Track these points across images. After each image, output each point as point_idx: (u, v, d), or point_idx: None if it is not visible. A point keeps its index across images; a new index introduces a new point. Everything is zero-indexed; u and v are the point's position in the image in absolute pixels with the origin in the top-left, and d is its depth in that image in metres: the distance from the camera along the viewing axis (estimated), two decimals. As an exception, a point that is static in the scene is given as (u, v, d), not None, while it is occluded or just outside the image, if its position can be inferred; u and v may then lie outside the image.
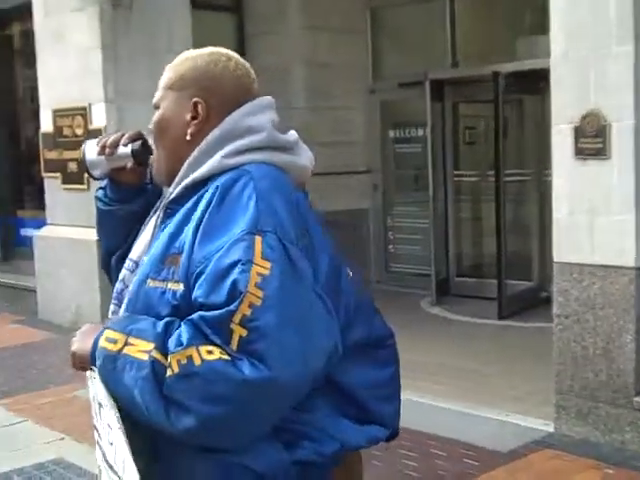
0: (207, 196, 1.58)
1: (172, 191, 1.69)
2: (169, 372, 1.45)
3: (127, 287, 1.72)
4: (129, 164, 1.85)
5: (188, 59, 1.73)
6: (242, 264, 1.46)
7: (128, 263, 1.76)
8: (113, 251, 1.93)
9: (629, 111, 4.06)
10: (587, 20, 4.17)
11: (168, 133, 1.71)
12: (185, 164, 1.66)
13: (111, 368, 1.53)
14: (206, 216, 1.56)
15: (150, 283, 1.60)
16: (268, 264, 1.47)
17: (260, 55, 8.14)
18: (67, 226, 7.71)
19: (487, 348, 6.37)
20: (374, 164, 9.23)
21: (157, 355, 1.47)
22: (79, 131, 7.55)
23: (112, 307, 1.76)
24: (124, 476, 1.53)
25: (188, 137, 1.67)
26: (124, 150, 1.85)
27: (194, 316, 1.47)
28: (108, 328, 1.57)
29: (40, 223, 8.45)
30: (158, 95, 1.75)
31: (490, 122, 7.60)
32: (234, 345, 1.44)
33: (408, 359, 5.88)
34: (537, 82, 7.45)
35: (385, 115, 9.19)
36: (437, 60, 8.58)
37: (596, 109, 4.15)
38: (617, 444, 4.21)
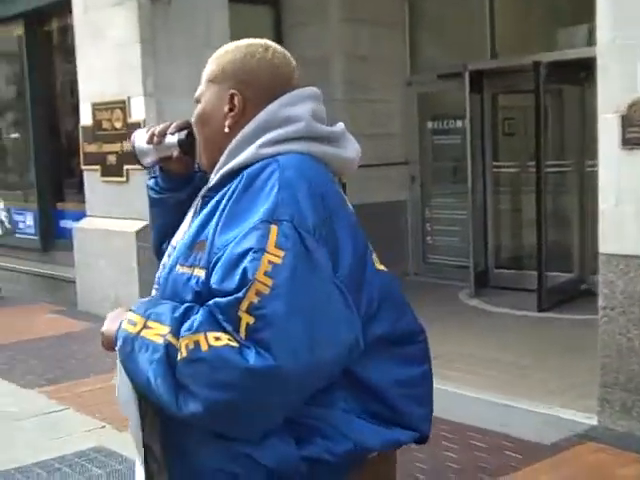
0: (234, 184, 1.60)
1: (210, 180, 1.71)
2: (179, 356, 1.47)
3: None
4: (175, 153, 1.86)
5: (228, 52, 1.73)
6: (254, 252, 1.47)
7: (169, 249, 1.78)
8: (163, 238, 1.94)
9: (677, 99, 3.98)
10: (634, 6, 4.09)
11: (208, 125, 1.73)
12: (224, 154, 1.67)
13: (129, 350, 1.56)
14: (229, 204, 1.57)
15: (179, 269, 1.63)
16: (281, 252, 1.47)
17: (298, 47, 8.10)
18: (106, 218, 7.78)
19: (527, 340, 6.30)
20: (412, 156, 9.18)
21: (171, 339, 1.49)
22: (118, 124, 7.61)
23: (154, 292, 1.78)
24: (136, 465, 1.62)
25: (226, 129, 1.68)
26: (171, 139, 1.86)
27: (210, 302, 1.49)
28: (131, 311, 1.62)
29: (79, 215, 8.53)
30: (200, 89, 1.76)
31: (529, 113, 7.50)
32: (242, 332, 1.45)
33: (446, 350, 5.83)
34: (578, 72, 7.36)
35: (423, 107, 9.13)
36: (475, 51, 8.50)
37: (644, 97, 4.07)
38: (662, 438, 4.14)
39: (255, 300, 1.44)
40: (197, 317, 1.49)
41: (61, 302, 8.45)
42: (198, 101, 1.76)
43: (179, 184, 1.92)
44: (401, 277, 8.63)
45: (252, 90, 1.67)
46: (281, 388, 1.46)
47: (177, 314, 1.52)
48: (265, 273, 1.45)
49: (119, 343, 1.59)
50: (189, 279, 1.59)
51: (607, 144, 4.25)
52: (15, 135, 11.30)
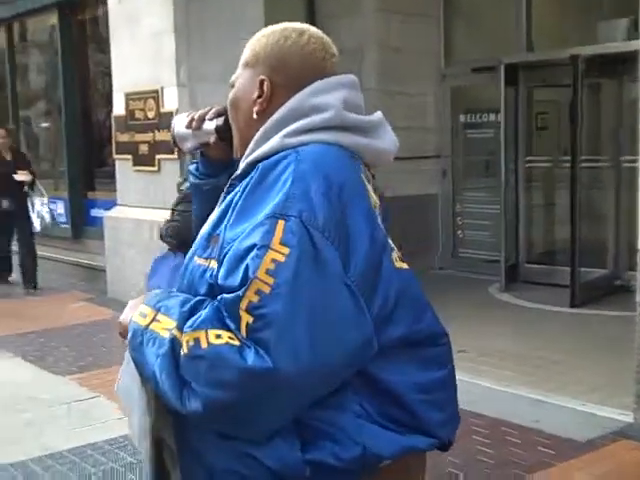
0: (250, 176, 1.55)
1: (237, 168, 1.66)
2: (182, 352, 1.44)
3: None
4: (212, 139, 1.83)
5: (264, 36, 1.68)
6: (257, 249, 1.42)
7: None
8: (202, 225, 1.92)
9: None
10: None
11: (239, 111, 1.68)
12: (252, 142, 1.62)
13: (138, 342, 1.54)
14: (242, 196, 1.52)
15: (196, 260, 1.60)
16: (286, 250, 1.41)
17: (332, 37, 7.95)
18: (136, 207, 7.81)
19: (560, 336, 6.23)
20: (444, 149, 9.12)
21: (177, 334, 1.46)
22: (151, 114, 7.62)
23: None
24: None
25: (255, 115, 1.63)
26: (209, 125, 1.84)
27: (218, 297, 1.46)
28: (144, 302, 1.58)
29: (110, 204, 8.58)
30: (236, 73, 1.72)
31: (564, 107, 7.42)
32: (243, 331, 1.40)
33: (477, 345, 5.76)
34: (616, 66, 7.26)
35: (456, 100, 9.06)
36: (511, 44, 8.41)
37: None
38: (699, 437, 4.07)
39: (255, 299, 1.39)
40: (203, 313, 1.45)
41: (91, 290, 8.52)
42: (233, 85, 1.72)
43: (218, 170, 1.87)
44: (429, 270, 8.59)
45: (282, 76, 1.62)
46: (281, 390, 1.40)
47: (185, 308, 1.49)
48: (267, 271, 1.40)
49: (129, 335, 1.56)
50: (205, 271, 1.55)
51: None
52: (47, 124, 11.41)
